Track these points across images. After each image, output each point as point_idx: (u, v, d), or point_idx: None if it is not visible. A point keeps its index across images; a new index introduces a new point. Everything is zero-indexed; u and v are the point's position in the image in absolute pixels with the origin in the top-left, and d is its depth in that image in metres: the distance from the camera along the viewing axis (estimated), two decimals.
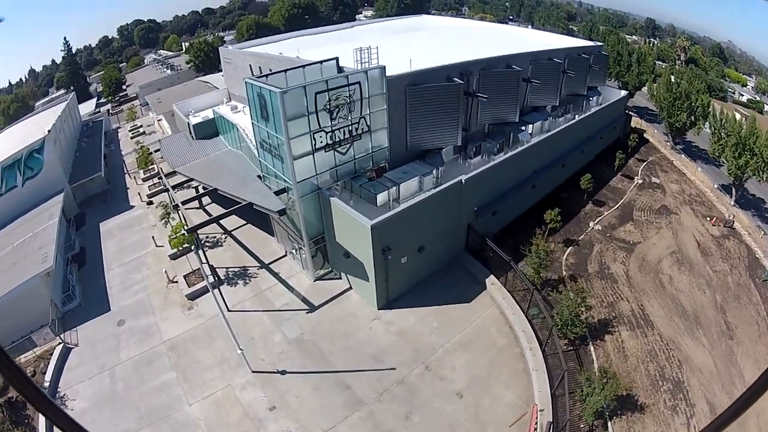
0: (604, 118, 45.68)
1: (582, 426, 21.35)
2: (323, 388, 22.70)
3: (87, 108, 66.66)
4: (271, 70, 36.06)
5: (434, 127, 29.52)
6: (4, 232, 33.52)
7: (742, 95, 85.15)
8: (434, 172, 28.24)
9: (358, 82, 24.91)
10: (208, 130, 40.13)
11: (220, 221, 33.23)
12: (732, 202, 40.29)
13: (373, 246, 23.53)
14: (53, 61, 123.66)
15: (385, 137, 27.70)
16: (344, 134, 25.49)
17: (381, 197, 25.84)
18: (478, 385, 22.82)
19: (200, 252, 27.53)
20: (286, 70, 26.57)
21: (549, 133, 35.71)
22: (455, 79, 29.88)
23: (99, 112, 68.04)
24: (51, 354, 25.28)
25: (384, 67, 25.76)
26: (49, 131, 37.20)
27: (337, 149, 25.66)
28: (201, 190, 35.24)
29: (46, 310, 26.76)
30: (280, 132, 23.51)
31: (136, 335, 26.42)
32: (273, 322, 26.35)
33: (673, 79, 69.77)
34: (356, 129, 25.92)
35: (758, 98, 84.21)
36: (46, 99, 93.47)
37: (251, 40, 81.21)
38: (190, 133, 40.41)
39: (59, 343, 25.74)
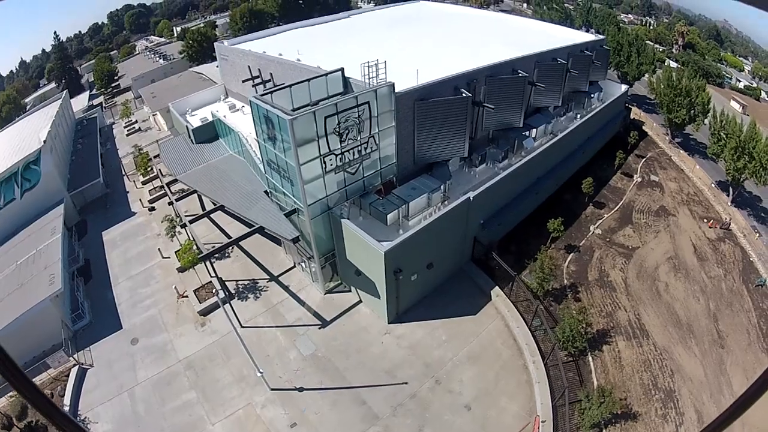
0: (606, 116, 45.77)
1: None
2: (340, 403, 23.57)
3: (80, 102, 65.12)
4: (271, 74, 35.95)
5: (442, 139, 29.55)
6: (7, 246, 33.15)
7: (740, 81, 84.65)
8: (442, 187, 28.49)
9: (367, 102, 24.73)
10: (208, 133, 39.48)
11: (227, 231, 33.48)
12: (729, 202, 40.98)
13: (385, 269, 24.00)
14: (43, 50, 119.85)
15: (393, 152, 27.77)
16: (353, 155, 25.50)
17: (391, 216, 26.11)
18: (485, 397, 23.92)
19: (211, 267, 27.72)
20: (291, 85, 26.34)
21: (553, 140, 35.83)
22: (463, 90, 29.71)
23: (92, 105, 66.54)
24: (67, 376, 25.27)
25: (393, 84, 25.51)
26: (44, 141, 36.36)
27: (347, 170, 25.76)
28: (205, 199, 35.16)
29: (56, 329, 26.67)
30: (290, 157, 23.51)
31: (151, 354, 26.70)
32: (287, 338, 26.98)
33: (673, 64, 69.59)
34: (365, 148, 25.93)
35: (755, 84, 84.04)
36: (38, 94, 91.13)
37: (245, 29, 79.60)
38: (190, 137, 39.88)
39: (74, 365, 25.78)
